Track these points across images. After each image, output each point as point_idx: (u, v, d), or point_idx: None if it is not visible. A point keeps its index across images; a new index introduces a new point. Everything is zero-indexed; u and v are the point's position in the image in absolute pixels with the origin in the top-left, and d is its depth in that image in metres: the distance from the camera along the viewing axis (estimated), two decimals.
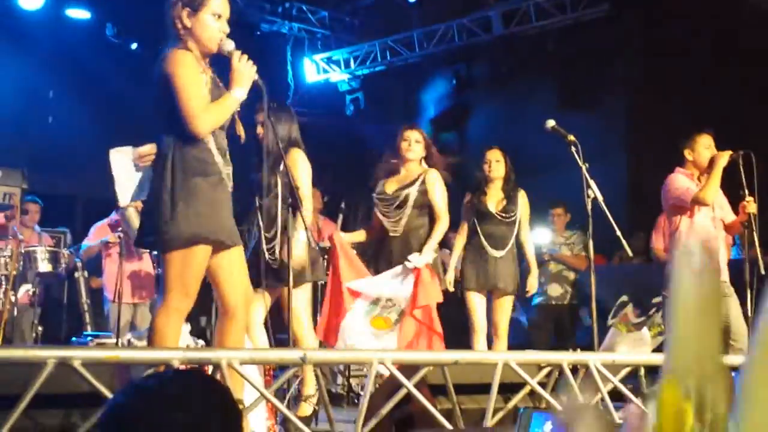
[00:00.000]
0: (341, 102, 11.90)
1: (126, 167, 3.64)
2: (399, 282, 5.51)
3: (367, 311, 5.56)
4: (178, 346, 3.53)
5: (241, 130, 3.66)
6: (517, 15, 9.95)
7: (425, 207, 5.71)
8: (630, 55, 9.45)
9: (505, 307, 6.07)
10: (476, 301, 6.04)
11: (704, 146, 5.65)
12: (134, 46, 10.40)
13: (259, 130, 4.76)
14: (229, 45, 3.55)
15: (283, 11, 11.29)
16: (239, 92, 3.49)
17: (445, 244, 6.63)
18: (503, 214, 6.07)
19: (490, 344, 6.06)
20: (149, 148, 3.61)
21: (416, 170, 5.77)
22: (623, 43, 9.52)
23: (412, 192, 5.68)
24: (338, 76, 11.84)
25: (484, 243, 6.05)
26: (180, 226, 3.33)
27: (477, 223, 6.10)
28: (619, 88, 9.67)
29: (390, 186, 5.80)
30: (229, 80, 3.54)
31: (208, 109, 3.40)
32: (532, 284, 6.27)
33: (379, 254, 5.80)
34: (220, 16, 3.51)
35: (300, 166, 4.89)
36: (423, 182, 5.70)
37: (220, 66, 3.68)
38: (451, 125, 11.30)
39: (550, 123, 5.41)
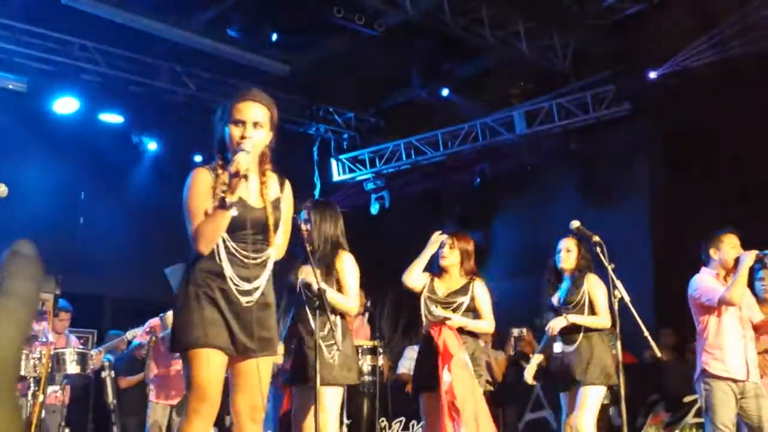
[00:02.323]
0: (367, 200, 12.06)
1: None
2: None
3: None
4: None
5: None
6: (540, 114, 10.13)
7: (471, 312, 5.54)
8: (651, 152, 9.52)
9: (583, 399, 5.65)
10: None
11: (730, 245, 5.61)
12: (152, 146, 10.52)
13: (303, 227, 4.54)
14: (240, 148, 3.36)
15: (310, 113, 11.56)
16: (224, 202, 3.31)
17: None
18: (567, 306, 5.79)
19: None
20: None
21: (461, 277, 5.60)
22: (645, 141, 9.61)
23: (466, 300, 5.49)
24: (364, 176, 12.06)
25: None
26: (182, 332, 3.39)
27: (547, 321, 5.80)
28: (642, 186, 9.72)
29: (439, 288, 5.61)
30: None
31: (199, 226, 3.37)
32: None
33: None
34: (241, 123, 3.45)
35: (348, 269, 4.89)
36: (471, 291, 5.52)
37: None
38: (476, 223, 11.35)
39: (575, 224, 5.41)
